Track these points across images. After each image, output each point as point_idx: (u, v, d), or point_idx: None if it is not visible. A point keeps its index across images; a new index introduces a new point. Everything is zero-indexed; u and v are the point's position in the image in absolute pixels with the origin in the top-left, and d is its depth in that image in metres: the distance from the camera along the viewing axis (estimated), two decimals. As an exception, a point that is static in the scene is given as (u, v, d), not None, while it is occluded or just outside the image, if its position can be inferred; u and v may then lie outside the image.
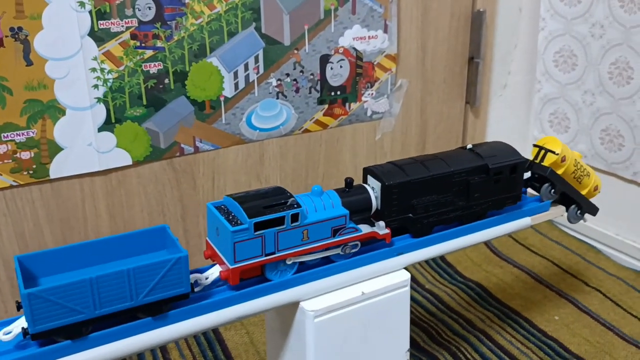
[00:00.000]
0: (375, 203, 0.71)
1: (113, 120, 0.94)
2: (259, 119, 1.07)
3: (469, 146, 0.80)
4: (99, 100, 0.93)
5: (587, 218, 0.92)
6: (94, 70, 0.91)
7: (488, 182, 0.76)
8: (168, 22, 0.94)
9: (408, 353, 0.74)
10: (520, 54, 1.34)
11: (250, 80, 1.04)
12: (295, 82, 1.08)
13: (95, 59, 0.90)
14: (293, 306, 0.67)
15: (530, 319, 1.04)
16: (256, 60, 1.03)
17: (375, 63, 1.15)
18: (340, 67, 1.11)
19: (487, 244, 1.28)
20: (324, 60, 1.09)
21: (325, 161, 1.17)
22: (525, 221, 0.83)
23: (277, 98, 1.07)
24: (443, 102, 1.27)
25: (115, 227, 1.00)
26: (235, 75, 1.02)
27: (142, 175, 1.00)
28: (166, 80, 0.97)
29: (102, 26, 0.90)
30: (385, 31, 1.13)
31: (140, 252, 0.63)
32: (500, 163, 0.77)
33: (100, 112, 0.93)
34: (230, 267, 0.61)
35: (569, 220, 0.90)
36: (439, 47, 1.22)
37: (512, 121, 1.37)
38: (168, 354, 0.98)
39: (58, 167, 0.93)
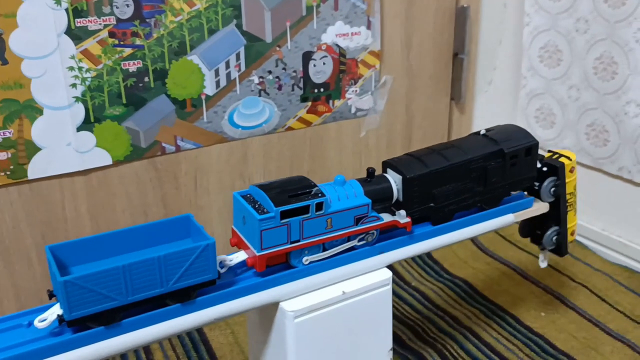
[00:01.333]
0: (396, 194, 0.72)
1: (92, 120, 0.93)
2: (241, 117, 1.06)
3: (482, 131, 0.81)
4: (77, 99, 0.91)
5: (547, 258, 0.91)
6: (71, 69, 0.89)
7: (504, 166, 0.78)
8: (147, 20, 0.93)
9: (391, 352, 0.74)
10: (505, 50, 1.33)
11: (232, 78, 1.02)
12: (277, 80, 1.07)
13: (72, 57, 0.89)
14: (273, 306, 0.67)
15: (517, 315, 1.04)
16: (237, 57, 1.02)
17: (358, 60, 1.14)
18: (324, 64, 1.10)
19: (473, 240, 1.27)
20: (307, 57, 1.08)
21: (310, 159, 1.16)
22: (509, 218, 0.82)
23: (260, 96, 1.06)
24: (428, 99, 1.27)
25: (96, 227, 0.99)
26: (217, 73, 1.01)
27: (123, 175, 0.99)
28: (146, 79, 0.95)
29: (79, 24, 0.88)
30: (369, 27, 1.12)
31: (165, 241, 0.64)
32: (515, 147, 0.78)
33: (79, 112, 0.92)
34: (257, 254, 0.63)
35: (543, 243, 0.89)
36: (423, 43, 1.22)
37: (498, 117, 1.37)
38: (152, 355, 0.97)
39: (36, 168, 0.91)
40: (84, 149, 0.94)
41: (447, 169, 0.74)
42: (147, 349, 0.97)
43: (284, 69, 1.06)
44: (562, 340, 0.98)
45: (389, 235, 0.73)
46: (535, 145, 0.80)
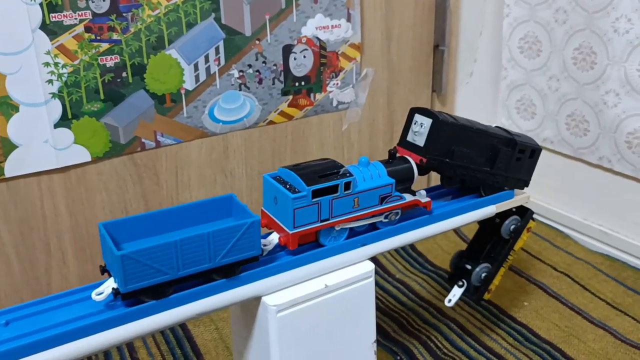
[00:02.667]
0: (416, 173, 0.75)
1: (69, 116, 0.92)
2: (221, 112, 1.05)
3: (494, 126, 0.85)
4: (54, 95, 0.90)
5: (457, 299, 0.89)
6: (47, 64, 0.88)
7: (512, 156, 0.82)
8: (124, 14, 0.91)
9: (375, 344, 0.74)
10: (485, 41, 1.33)
11: (212, 72, 1.01)
12: (257, 73, 1.06)
13: (48, 53, 0.88)
14: (256, 300, 0.66)
15: (500, 305, 1.04)
16: (217, 51, 1.01)
17: (339, 52, 1.13)
18: (304, 57, 1.10)
19: (456, 231, 1.28)
20: (287, 50, 1.07)
21: (292, 153, 1.15)
22: (490, 209, 0.83)
23: (240, 90, 1.05)
24: (410, 91, 1.26)
25: (75, 224, 0.98)
26: (196, 67, 1.00)
27: (102, 172, 0.98)
28: (124, 74, 0.94)
29: (54, 19, 0.87)
30: (349, 20, 1.12)
31: (207, 220, 0.67)
32: (524, 142, 0.84)
33: (56, 108, 0.90)
34: (290, 232, 0.66)
35: (472, 277, 0.88)
36: (404, 36, 1.21)
37: (479, 109, 1.37)
38: (136, 353, 0.96)
39: (13, 166, 0.90)
40: (61, 145, 0.93)
41: (471, 131, 0.78)
42: (130, 346, 0.97)
43: (264, 62, 1.06)
44: (545, 329, 0.99)
45: (373, 227, 0.73)
46: (539, 150, 0.85)
